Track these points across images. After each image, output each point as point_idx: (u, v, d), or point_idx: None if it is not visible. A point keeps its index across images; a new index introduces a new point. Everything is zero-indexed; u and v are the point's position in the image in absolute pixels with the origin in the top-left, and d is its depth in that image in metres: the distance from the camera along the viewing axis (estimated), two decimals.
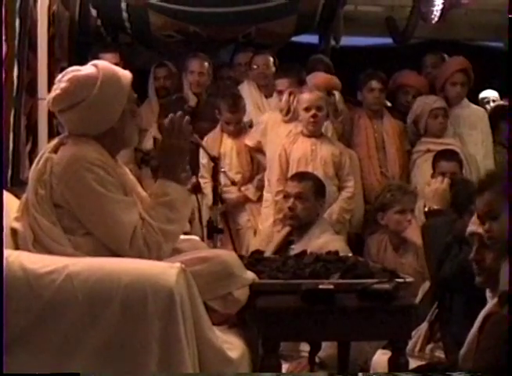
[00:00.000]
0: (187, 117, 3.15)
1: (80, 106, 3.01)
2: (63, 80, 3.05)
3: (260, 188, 5.67)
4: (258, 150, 5.72)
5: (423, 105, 5.86)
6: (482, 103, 7.14)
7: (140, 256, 2.92)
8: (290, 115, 5.59)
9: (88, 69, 3.08)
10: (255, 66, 6.14)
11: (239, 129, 5.76)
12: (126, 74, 3.12)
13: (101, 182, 2.93)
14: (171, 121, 3.12)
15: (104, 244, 2.95)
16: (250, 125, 5.98)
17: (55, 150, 3.02)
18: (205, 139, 5.51)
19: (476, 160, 5.78)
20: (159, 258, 2.96)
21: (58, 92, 3.03)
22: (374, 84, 5.88)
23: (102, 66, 3.10)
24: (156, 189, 3.10)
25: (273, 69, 6.14)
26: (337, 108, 5.78)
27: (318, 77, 5.82)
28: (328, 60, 6.63)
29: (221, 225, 5.49)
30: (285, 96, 5.61)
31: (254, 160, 5.77)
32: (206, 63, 6.09)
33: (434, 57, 6.51)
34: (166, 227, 2.99)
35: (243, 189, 5.72)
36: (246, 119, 6.05)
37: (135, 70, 3.27)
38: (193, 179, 3.46)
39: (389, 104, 6.21)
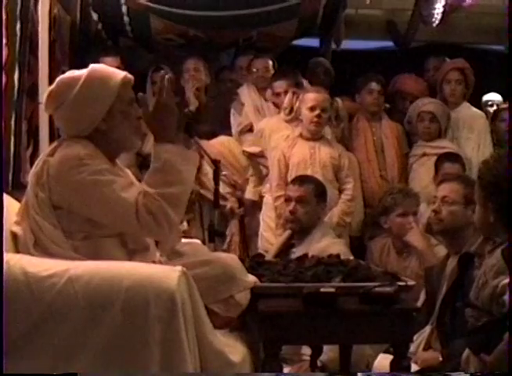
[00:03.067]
0: (170, 75, 3.08)
1: (63, 106, 3.03)
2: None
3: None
4: (257, 155, 5.71)
5: (414, 106, 5.88)
6: (485, 106, 7.13)
7: (149, 228, 2.88)
8: (292, 115, 5.58)
9: (79, 71, 3.09)
10: (255, 70, 6.14)
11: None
12: (118, 75, 3.09)
13: (93, 172, 2.90)
14: (161, 79, 3.07)
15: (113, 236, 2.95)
16: (250, 129, 5.98)
17: (52, 153, 3.02)
18: None
19: (472, 164, 5.77)
20: (171, 227, 2.91)
21: (46, 94, 3.09)
22: (374, 85, 5.88)
23: (92, 67, 3.10)
24: (152, 156, 3.02)
25: (273, 72, 6.14)
26: (339, 114, 5.79)
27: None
28: (327, 63, 6.64)
29: (236, 228, 5.54)
30: (288, 95, 5.61)
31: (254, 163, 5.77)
32: (200, 62, 6.09)
33: (436, 60, 6.52)
34: (166, 191, 2.89)
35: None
36: (246, 122, 6.05)
37: (136, 74, 3.25)
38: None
39: (387, 106, 6.21)
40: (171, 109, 3.05)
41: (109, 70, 3.14)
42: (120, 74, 3.11)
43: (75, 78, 3.04)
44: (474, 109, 6.17)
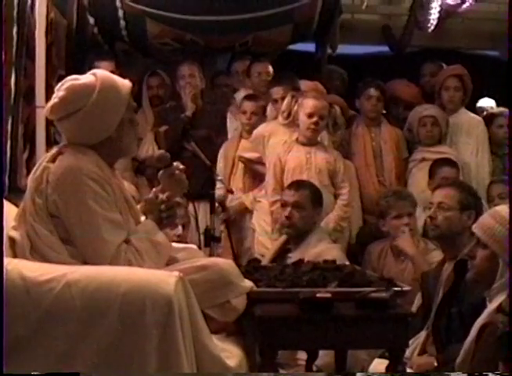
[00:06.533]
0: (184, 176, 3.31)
1: (77, 114, 3.01)
2: (61, 89, 3.05)
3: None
4: (255, 161, 5.70)
5: (414, 113, 5.89)
6: (479, 111, 7.14)
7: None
8: (289, 119, 5.56)
9: (86, 78, 3.08)
10: (256, 74, 6.13)
11: None
12: (125, 83, 3.12)
13: (93, 197, 2.92)
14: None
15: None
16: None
17: (52, 160, 3.02)
18: None
19: (470, 169, 5.79)
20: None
21: (56, 100, 3.04)
22: (372, 91, 5.88)
23: (100, 75, 3.10)
24: (144, 226, 3.11)
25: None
26: (337, 122, 5.78)
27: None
28: (342, 70, 6.72)
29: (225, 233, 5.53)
30: (287, 99, 5.58)
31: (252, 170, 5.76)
32: (194, 67, 6.08)
33: (432, 66, 6.51)
34: (149, 261, 2.99)
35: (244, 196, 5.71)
36: None
37: (131, 79, 3.26)
38: None
39: (384, 111, 6.22)
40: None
41: (115, 77, 3.16)
42: (125, 82, 3.14)
43: (88, 86, 3.03)
44: (472, 114, 6.17)
